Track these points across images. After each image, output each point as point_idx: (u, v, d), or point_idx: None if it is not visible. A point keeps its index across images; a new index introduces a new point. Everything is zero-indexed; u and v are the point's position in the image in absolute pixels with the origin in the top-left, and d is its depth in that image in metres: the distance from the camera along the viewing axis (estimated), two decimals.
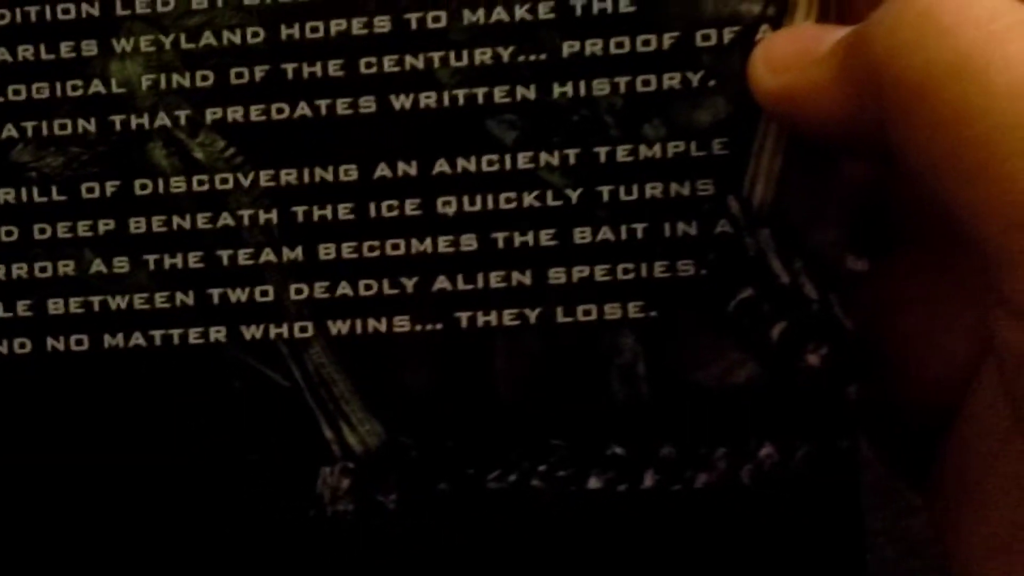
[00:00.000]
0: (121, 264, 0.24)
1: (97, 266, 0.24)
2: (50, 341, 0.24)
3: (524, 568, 0.24)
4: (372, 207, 0.24)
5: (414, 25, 0.23)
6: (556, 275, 0.23)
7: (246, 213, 0.24)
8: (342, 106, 0.24)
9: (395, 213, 0.24)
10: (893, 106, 0.19)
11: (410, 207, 0.24)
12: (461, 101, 0.23)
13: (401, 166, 0.24)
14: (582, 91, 0.23)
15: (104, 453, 0.24)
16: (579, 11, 0.23)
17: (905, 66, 0.18)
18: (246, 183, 0.24)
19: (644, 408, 0.23)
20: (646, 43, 0.23)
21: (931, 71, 0.18)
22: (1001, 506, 0.21)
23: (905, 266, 0.24)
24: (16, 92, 0.24)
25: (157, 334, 0.24)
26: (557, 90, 0.23)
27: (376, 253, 0.24)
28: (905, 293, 0.24)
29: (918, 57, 0.18)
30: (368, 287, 0.24)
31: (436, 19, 0.23)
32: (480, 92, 0.23)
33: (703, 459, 0.23)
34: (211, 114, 0.24)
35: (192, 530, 0.24)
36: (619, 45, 0.23)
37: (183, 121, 0.24)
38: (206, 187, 0.24)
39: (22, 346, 0.24)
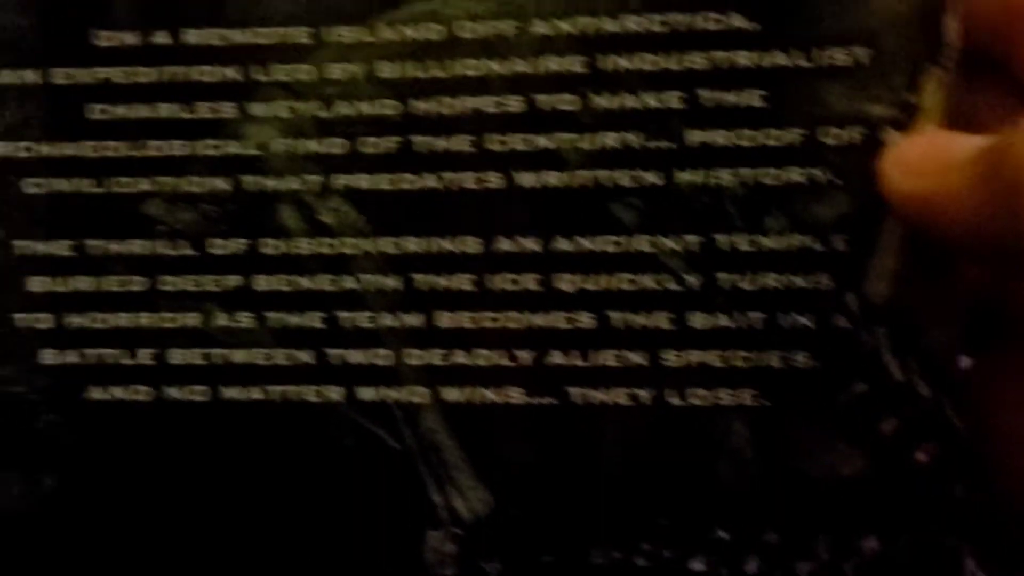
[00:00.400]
0: (244, 320, 0.25)
1: (221, 320, 0.25)
2: (169, 390, 0.25)
3: None
4: (492, 279, 0.24)
5: (545, 106, 0.24)
6: (670, 358, 0.24)
7: (369, 278, 0.25)
8: (468, 180, 0.24)
9: (514, 287, 0.24)
10: None
11: (529, 282, 0.24)
12: (586, 182, 0.24)
13: (523, 241, 0.24)
14: (706, 180, 0.24)
15: (215, 504, 0.25)
16: (708, 102, 0.24)
17: None
18: (371, 249, 0.25)
19: (750, 494, 0.24)
20: (773, 137, 0.23)
21: None
22: None
23: (1011, 366, 0.24)
24: (153, 148, 0.25)
25: (275, 390, 0.25)
26: (681, 177, 0.24)
27: (494, 324, 0.24)
28: (1009, 393, 0.24)
29: None
30: (484, 357, 0.24)
31: (567, 102, 0.24)
32: (605, 174, 0.24)
33: (806, 548, 0.24)
34: (341, 181, 0.25)
35: None
36: (746, 138, 0.24)
37: (314, 186, 0.25)
38: (331, 250, 0.25)
39: (142, 394, 0.25)
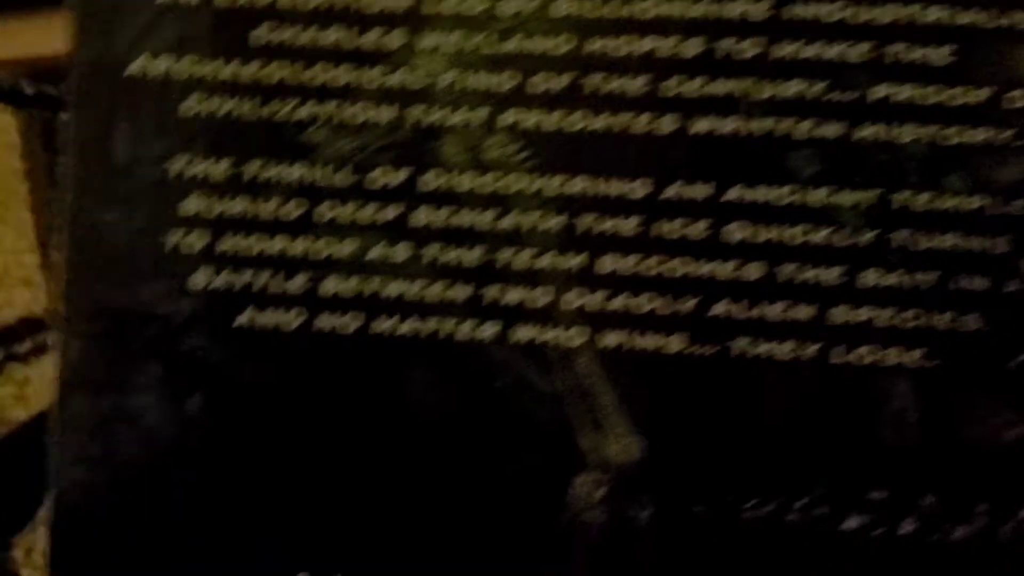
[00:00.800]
0: (400, 252, 0.25)
1: (376, 251, 0.25)
2: (319, 319, 0.25)
3: None
4: (659, 224, 0.24)
5: (724, 51, 0.24)
6: (838, 314, 0.23)
7: (530, 216, 0.24)
8: (641, 123, 0.24)
9: (682, 233, 0.24)
10: None
11: (698, 229, 0.24)
12: (763, 131, 0.24)
13: (694, 187, 0.24)
14: (887, 135, 0.23)
15: (358, 436, 0.25)
16: (894, 57, 0.23)
17: None
18: (534, 187, 0.24)
19: (911, 456, 0.23)
20: (958, 96, 0.23)
21: None
22: None
23: None
24: (317, 74, 0.25)
25: (426, 325, 0.25)
26: (862, 131, 0.23)
27: (657, 271, 0.24)
28: None
29: None
30: (644, 303, 0.24)
31: (748, 48, 0.24)
32: (783, 124, 0.24)
33: (964, 512, 0.23)
34: (508, 117, 0.24)
35: (439, 525, 0.24)
36: (931, 95, 0.23)
37: (480, 120, 0.24)
38: (494, 187, 0.24)
39: (292, 321, 0.25)
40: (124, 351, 0.25)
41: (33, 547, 0.35)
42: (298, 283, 0.25)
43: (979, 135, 0.23)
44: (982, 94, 0.23)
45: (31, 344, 0.43)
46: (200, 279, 0.25)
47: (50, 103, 0.56)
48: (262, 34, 0.25)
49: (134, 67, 0.25)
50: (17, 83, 0.56)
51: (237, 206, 0.25)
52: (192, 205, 0.25)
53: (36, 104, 0.56)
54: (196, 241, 0.25)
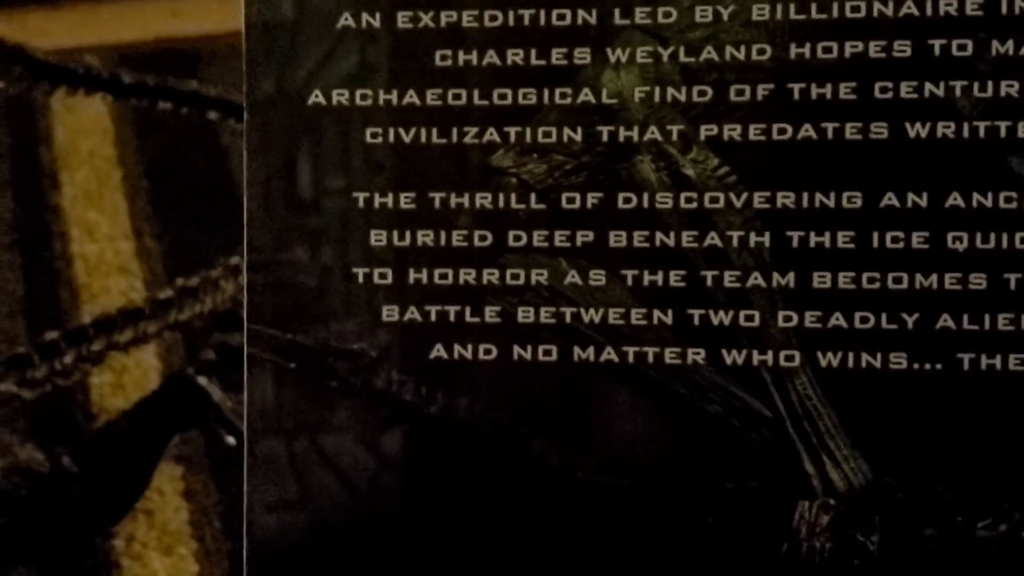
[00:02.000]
0: (598, 277, 0.24)
1: (572, 277, 0.24)
2: (517, 349, 0.24)
3: None
4: (875, 237, 0.23)
5: (937, 51, 0.23)
6: None
7: (736, 234, 0.23)
8: (851, 130, 0.23)
9: (900, 245, 0.23)
10: None
11: (917, 240, 0.23)
12: (982, 133, 0.22)
13: (911, 197, 0.23)
14: None
15: (565, 463, 0.24)
16: None
17: None
18: (738, 203, 0.23)
19: None
20: None
21: None
22: None
23: None
24: (502, 96, 0.24)
25: (631, 350, 0.24)
26: None
27: (876, 285, 0.23)
28: None
29: None
30: (864, 320, 0.23)
31: (962, 47, 0.22)
32: (1004, 125, 0.22)
33: None
34: (706, 130, 0.23)
35: (661, 557, 0.24)
36: None
37: (676, 136, 0.23)
38: (694, 205, 0.23)
39: (488, 352, 0.24)
40: (318, 390, 0.25)
41: (134, 535, 0.35)
42: (492, 313, 0.24)
43: None
44: None
45: (131, 333, 0.43)
46: (393, 313, 0.24)
47: (148, 92, 0.55)
48: (446, 56, 0.24)
49: (316, 97, 0.24)
50: (116, 72, 0.56)
51: (426, 236, 0.24)
52: (381, 237, 0.24)
53: (135, 93, 0.55)
54: (385, 274, 0.24)
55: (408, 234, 0.24)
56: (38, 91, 0.57)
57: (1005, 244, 0.22)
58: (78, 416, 0.40)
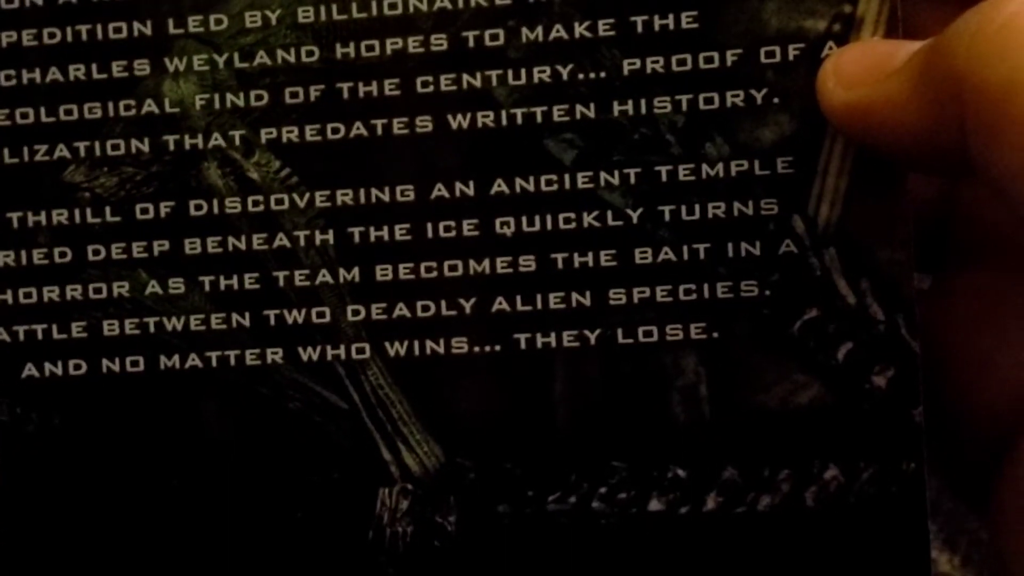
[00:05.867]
0: (176, 285, 0.24)
1: (152, 287, 0.24)
2: (105, 363, 0.24)
3: None
4: (429, 227, 0.23)
5: (471, 43, 0.23)
6: (616, 296, 0.23)
7: (302, 234, 0.24)
8: (398, 126, 0.23)
9: (452, 234, 0.23)
10: (975, 116, 0.18)
11: (468, 228, 0.23)
12: (519, 120, 0.23)
13: (458, 186, 0.23)
14: (643, 109, 0.23)
15: (159, 474, 0.24)
16: (640, 28, 0.23)
17: (988, 75, 0.18)
18: (302, 204, 0.24)
19: (706, 430, 0.23)
20: (708, 60, 0.23)
21: (1015, 79, 0.18)
22: None
23: (967, 285, 0.23)
24: (68, 112, 0.24)
25: (213, 355, 0.24)
26: (617, 108, 0.23)
27: (434, 274, 0.23)
28: (966, 312, 0.23)
29: (1002, 66, 0.18)
30: (426, 308, 0.24)
31: (494, 37, 0.23)
32: (539, 111, 0.23)
33: (766, 481, 0.23)
34: (266, 134, 0.24)
35: (251, 550, 0.24)
36: (681, 62, 0.23)
37: (238, 141, 0.24)
38: (261, 208, 0.24)
39: (77, 368, 0.24)
40: None
41: None
42: (77, 329, 0.24)
43: (734, 98, 0.23)
44: (732, 55, 0.22)
45: None
46: None
47: None
48: (11, 76, 0.24)
49: None
50: None
51: (7, 256, 0.24)
52: None
53: None
54: None
55: None
56: None
57: (550, 225, 0.23)
58: None
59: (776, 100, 0.22)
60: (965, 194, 0.24)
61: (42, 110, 0.24)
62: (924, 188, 0.23)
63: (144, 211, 0.24)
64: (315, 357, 0.24)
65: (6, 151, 0.24)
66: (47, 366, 0.24)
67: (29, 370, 0.24)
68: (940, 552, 0.47)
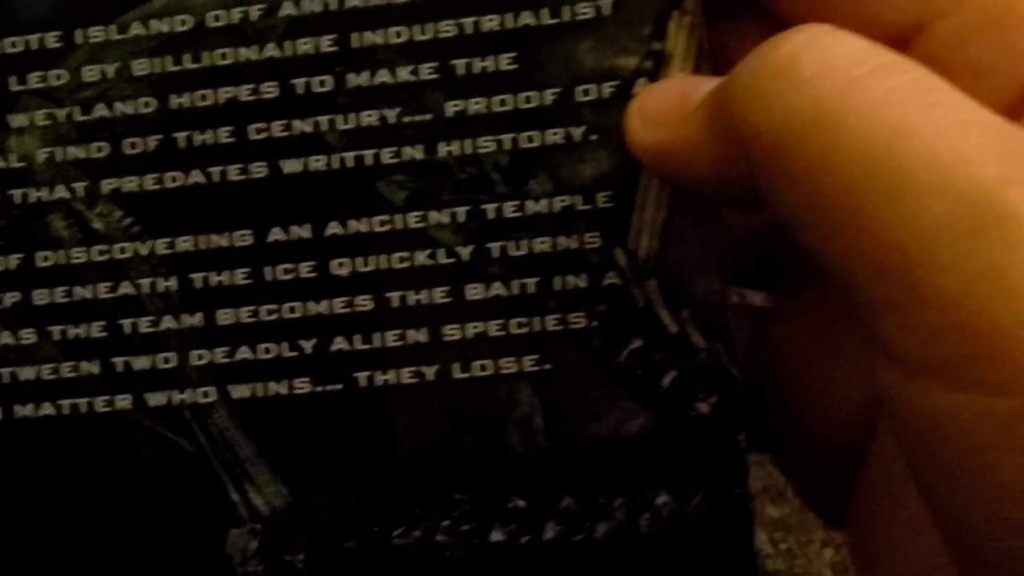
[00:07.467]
0: (28, 335, 0.25)
1: (5, 338, 0.25)
2: None
3: None
4: (268, 271, 0.24)
5: (300, 90, 0.24)
6: (451, 332, 0.24)
7: (146, 281, 0.24)
8: (234, 172, 0.24)
9: (290, 276, 0.24)
10: (757, 160, 0.19)
11: (305, 269, 0.24)
12: (350, 163, 0.24)
13: (294, 229, 0.24)
14: (468, 149, 0.23)
15: (13, 521, 0.25)
16: (461, 71, 0.23)
17: (764, 119, 0.18)
18: (144, 251, 0.24)
19: (543, 460, 0.23)
20: (528, 100, 0.23)
21: (790, 123, 0.18)
22: (908, 546, 0.21)
23: (803, 305, 0.24)
24: None
25: (65, 403, 0.24)
26: (443, 149, 0.23)
27: (274, 316, 0.24)
28: (803, 332, 0.24)
29: (777, 109, 0.18)
30: (267, 350, 0.24)
31: (322, 83, 0.24)
32: (369, 154, 0.24)
33: (602, 509, 0.23)
34: (107, 185, 0.24)
35: None
36: (502, 103, 0.23)
37: (81, 192, 0.24)
38: (106, 257, 0.24)
39: None
40: None
41: None
42: None
43: (553, 136, 0.23)
44: (549, 95, 0.23)
45: None
46: None
47: None
48: None
49: None
50: None
51: None
52: None
53: None
54: None
55: None
56: None
57: (384, 265, 0.24)
58: None
59: (594, 137, 0.23)
60: None
61: None
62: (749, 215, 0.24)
63: None
64: (163, 402, 0.24)
65: None
66: None
67: None
68: None
